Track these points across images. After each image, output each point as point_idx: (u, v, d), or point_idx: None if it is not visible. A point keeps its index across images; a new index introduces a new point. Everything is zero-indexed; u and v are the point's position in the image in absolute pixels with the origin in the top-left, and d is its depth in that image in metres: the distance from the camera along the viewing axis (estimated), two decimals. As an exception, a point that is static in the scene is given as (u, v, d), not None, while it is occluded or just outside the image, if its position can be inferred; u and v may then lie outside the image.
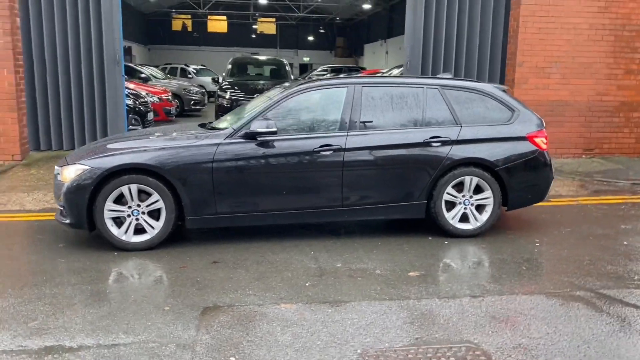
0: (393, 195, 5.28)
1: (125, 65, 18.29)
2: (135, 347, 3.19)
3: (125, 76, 13.86)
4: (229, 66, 13.91)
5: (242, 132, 5.05)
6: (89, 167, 4.83)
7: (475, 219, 5.42)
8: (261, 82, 13.21)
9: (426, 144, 5.27)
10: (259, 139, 5.03)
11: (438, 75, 6.13)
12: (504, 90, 5.79)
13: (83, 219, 4.85)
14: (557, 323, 3.54)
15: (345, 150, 5.12)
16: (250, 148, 5.02)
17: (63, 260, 4.74)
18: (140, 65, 21.64)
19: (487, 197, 5.39)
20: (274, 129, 4.98)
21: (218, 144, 5.00)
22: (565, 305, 3.83)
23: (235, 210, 5.07)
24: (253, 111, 5.28)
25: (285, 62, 14.46)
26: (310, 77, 25.30)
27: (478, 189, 5.40)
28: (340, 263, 4.67)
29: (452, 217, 5.37)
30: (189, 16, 39.12)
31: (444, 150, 5.28)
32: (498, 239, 5.38)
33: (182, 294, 4.01)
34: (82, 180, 4.80)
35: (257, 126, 4.98)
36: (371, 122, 5.30)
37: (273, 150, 5.06)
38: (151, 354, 3.12)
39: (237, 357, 3.09)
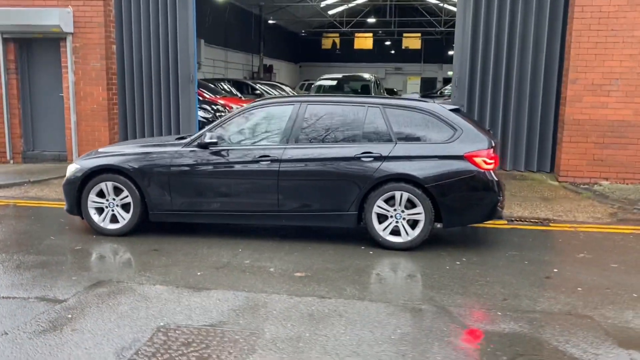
0: (326, 204, 5.71)
1: (238, 82, 20.28)
2: (23, 301, 4.22)
3: (225, 91, 15.59)
4: (316, 84, 14.87)
5: (197, 141, 5.91)
6: (79, 167, 6.09)
7: (407, 233, 5.59)
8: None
9: (357, 158, 5.61)
10: (210, 148, 5.85)
11: (404, 96, 6.34)
12: (455, 110, 5.86)
13: (74, 206, 6.10)
14: (363, 326, 3.79)
15: (281, 161, 5.70)
16: (201, 155, 5.86)
17: (54, 237, 6.05)
18: (265, 82, 23.54)
19: (419, 212, 5.54)
20: (214, 140, 5.77)
21: (176, 151, 5.93)
22: (392, 315, 4.01)
23: (187, 208, 5.94)
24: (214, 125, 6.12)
25: (372, 78, 14.98)
26: (441, 92, 25.15)
27: (414, 205, 5.57)
28: (250, 260, 5.28)
29: (382, 230, 5.62)
30: (337, 34, 41.15)
31: (374, 166, 5.57)
32: (423, 255, 5.49)
33: (98, 268, 5.00)
34: (73, 176, 6.07)
35: (206, 137, 5.81)
36: (310, 137, 5.80)
37: (221, 159, 5.83)
38: (33, 306, 4.11)
39: (89, 311, 3.94)
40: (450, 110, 5.82)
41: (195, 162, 5.87)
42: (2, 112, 10.73)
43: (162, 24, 10.54)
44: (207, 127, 6.08)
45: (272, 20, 32.81)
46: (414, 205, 5.56)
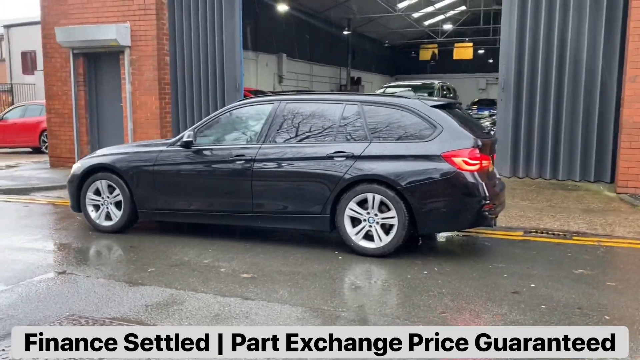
0: (299, 206, 5.48)
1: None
2: None
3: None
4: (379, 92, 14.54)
5: (180, 141, 5.96)
6: (79, 165, 6.40)
7: (380, 238, 5.19)
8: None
9: (330, 158, 5.33)
10: (192, 147, 5.88)
11: (397, 94, 5.93)
12: (442, 106, 5.37)
13: (75, 204, 6.42)
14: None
15: (255, 160, 5.58)
16: (182, 155, 5.90)
17: (65, 232, 6.40)
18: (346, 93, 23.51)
19: (392, 216, 5.13)
20: (190, 139, 5.78)
21: (160, 151, 6.03)
22: (300, 319, 3.71)
23: (170, 207, 5.99)
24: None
25: (439, 85, 14.35)
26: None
27: (388, 208, 5.17)
28: (210, 260, 5.18)
29: (355, 234, 5.27)
30: (435, 45, 40.16)
31: (346, 166, 5.26)
32: (394, 262, 5.05)
33: (63, 260, 5.19)
34: (74, 175, 6.39)
35: (184, 136, 5.85)
36: (286, 136, 5.62)
37: (200, 158, 5.83)
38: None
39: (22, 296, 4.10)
40: (435, 106, 5.34)
41: (175, 162, 5.92)
42: (72, 121, 11.68)
43: (209, 36, 10.90)
44: (192, 127, 6.12)
45: (362, 32, 32.76)
46: (388, 209, 5.15)
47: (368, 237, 5.24)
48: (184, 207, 5.97)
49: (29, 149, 16.47)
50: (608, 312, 3.85)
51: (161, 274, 4.76)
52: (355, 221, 5.28)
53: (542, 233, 6.22)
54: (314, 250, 5.49)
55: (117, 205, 6.19)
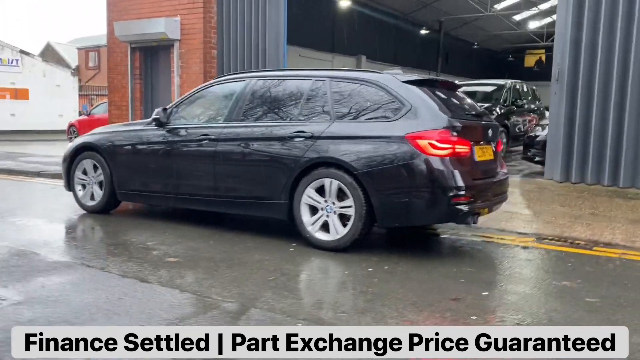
0: (259, 191, 5.00)
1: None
2: None
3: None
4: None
5: (155, 120, 5.72)
6: (71, 144, 6.41)
7: (336, 230, 4.57)
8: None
9: (290, 138, 4.80)
10: (165, 127, 5.62)
11: (385, 71, 5.24)
12: (420, 81, 4.65)
13: (67, 183, 6.41)
14: (131, 314, 3.13)
15: (218, 140, 5.19)
16: (155, 134, 5.66)
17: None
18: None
19: (350, 205, 4.49)
20: (157, 116, 5.52)
21: (137, 130, 5.84)
22: (174, 305, 3.24)
23: (144, 189, 5.76)
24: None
25: (510, 84, 13.07)
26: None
27: (346, 196, 4.54)
28: (153, 243, 4.80)
29: (311, 224, 4.69)
30: (543, 51, 37.51)
31: (303, 147, 4.70)
32: (347, 257, 4.40)
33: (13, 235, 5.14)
34: (65, 154, 6.39)
35: (154, 113, 5.61)
36: (252, 114, 5.18)
37: (171, 137, 5.54)
38: None
39: None
40: (408, 81, 4.63)
41: (149, 141, 5.69)
42: (128, 112, 12.07)
43: (254, 30, 10.76)
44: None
45: (456, 35, 31.29)
46: (347, 197, 4.52)
47: (326, 228, 4.64)
48: (156, 190, 5.71)
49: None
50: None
51: (90, 252, 4.53)
52: (314, 210, 4.70)
53: (560, 241, 5.20)
54: (272, 240, 4.97)
55: (100, 185, 6.09)
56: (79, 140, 6.36)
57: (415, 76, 4.88)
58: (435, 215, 4.39)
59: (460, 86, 5.40)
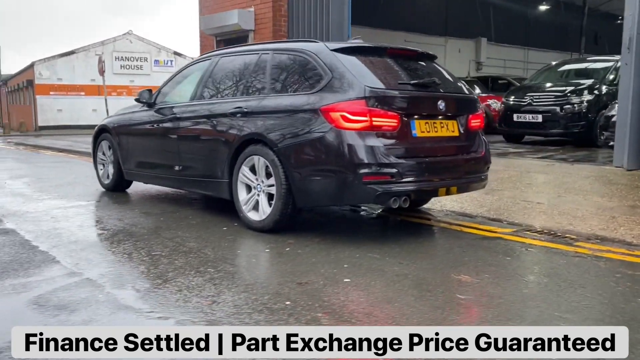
0: (206, 169, 4.97)
1: (499, 78, 17.85)
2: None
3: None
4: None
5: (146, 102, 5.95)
6: (96, 127, 6.95)
7: (263, 210, 4.37)
8: (557, 86, 11.12)
9: (231, 115, 4.68)
10: (153, 108, 5.83)
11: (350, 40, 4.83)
12: (346, 50, 4.23)
13: (94, 162, 6.97)
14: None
15: (180, 119, 5.27)
16: (145, 115, 5.88)
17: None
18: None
19: (273, 184, 4.27)
20: (137, 97, 5.72)
21: (134, 112, 6.14)
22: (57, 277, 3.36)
23: (138, 168, 6.04)
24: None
25: (614, 64, 11.16)
26: None
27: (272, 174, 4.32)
28: (107, 217, 5.06)
29: (245, 203, 4.54)
30: None
31: (239, 123, 4.56)
32: (268, 237, 4.17)
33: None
34: (93, 136, 6.95)
35: (138, 95, 5.84)
36: (211, 92, 5.16)
37: (154, 117, 5.70)
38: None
39: None
40: (339, 49, 4.23)
41: (140, 121, 5.95)
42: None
43: (319, 15, 10.69)
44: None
45: (608, 11, 27.47)
46: (272, 176, 4.30)
47: (257, 208, 4.46)
48: (145, 169, 5.96)
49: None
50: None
51: (33, 220, 4.88)
52: (249, 189, 4.55)
53: (564, 237, 4.36)
54: (215, 219, 4.90)
55: (113, 164, 6.53)
56: (100, 122, 6.87)
57: (353, 43, 4.45)
58: (348, 195, 3.96)
59: (432, 56, 4.80)
